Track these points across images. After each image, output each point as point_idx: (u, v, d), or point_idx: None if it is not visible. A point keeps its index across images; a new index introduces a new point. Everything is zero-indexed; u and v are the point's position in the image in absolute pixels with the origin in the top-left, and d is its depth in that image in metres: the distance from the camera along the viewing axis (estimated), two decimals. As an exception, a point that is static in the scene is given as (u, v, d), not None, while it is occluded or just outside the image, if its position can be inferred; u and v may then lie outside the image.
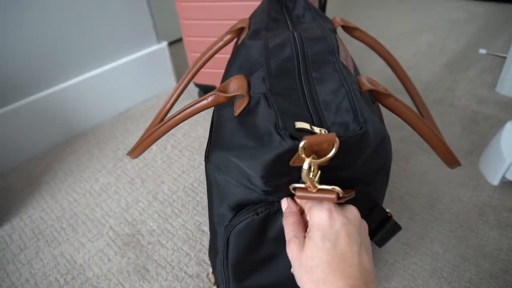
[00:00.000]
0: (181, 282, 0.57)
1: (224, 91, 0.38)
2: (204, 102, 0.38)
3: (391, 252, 0.58)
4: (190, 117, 0.39)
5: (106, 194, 0.75)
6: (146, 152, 0.85)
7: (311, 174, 0.31)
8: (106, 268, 0.60)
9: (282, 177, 0.34)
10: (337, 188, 0.32)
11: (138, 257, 0.62)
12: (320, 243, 0.30)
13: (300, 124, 0.32)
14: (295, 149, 0.30)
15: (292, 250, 0.32)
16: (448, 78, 1.04)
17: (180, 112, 0.40)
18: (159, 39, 1.05)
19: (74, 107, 0.91)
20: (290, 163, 0.32)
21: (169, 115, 0.46)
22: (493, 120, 0.86)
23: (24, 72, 0.81)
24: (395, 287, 0.54)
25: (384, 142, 0.38)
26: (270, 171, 0.33)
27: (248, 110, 0.37)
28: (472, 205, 0.64)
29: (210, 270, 0.51)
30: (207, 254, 0.61)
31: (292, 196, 0.37)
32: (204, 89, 0.97)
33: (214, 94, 0.37)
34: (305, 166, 0.30)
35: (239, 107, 0.38)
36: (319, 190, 0.32)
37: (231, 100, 0.41)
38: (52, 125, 0.88)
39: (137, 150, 0.45)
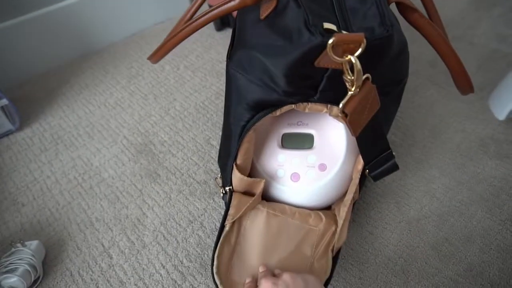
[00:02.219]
0: (189, 186, 0.62)
1: None
2: (232, 3, 0.38)
3: (389, 173, 0.61)
4: (216, 18, 0.39)
5: (120, 107, 0.78)
6: (159, 71, 0.86)
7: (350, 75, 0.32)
8: (120, 171, 0.65)
9: (304, 79, 0.36)
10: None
11: (150, 163, 0.66)
12: None
13: (327, 25, 0.33)
14: (323, 46, 0.31)
15: None
16: (472, 15, 1.00)
17: (207, 13, 0.40)
18: (174, -43, 1.01)
19: (89, 23, 0.91)
20: (316, 62, 0.33)
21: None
22: (511, 58, 0.84)
23: (39, -20, 0.80)
24: (389, 202, 0.57)
25: (404, 52, 0.39)
26: (294, 70, 0.34)
27: (276, 13, 0.37)
28: (475, 137, 0.66)
29: (219, 175, 0.54)
30: (215, 164, 0.65)
31: (306, 101, 0.39)
32: (219, 12, 0.95)
33: None
34: (354, 59, 0.30)
35: (265, 10, 0.38)
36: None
37: (256, 6, 0.41)
38: (67, 40, 0.89)
39: (159, 53, 0.46)
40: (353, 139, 0.50)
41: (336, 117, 0.45)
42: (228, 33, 0.97)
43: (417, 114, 0.71)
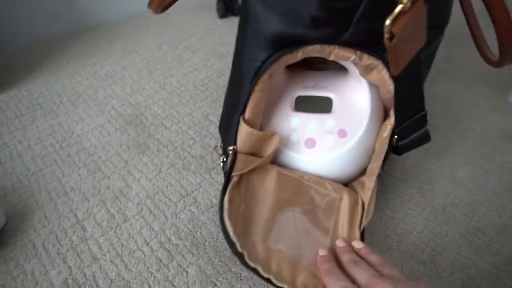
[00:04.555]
0: (183, 160, 0.54)
1: None
2: None
3: (409, 157, 0.54)
4: None
5: (111, 79, 0.71)
6: (156, 49, 0.80)
7: None
8: (104, 141, 0.57)
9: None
10: None
11: (140, 134, 0.58)
12: None
13: None
14: None
15: None
16: None
17: None
18: None
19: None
20: None
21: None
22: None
23: None
24: (410, 187, 0.50)
25: None
26: None
27: None
28: (497, 128, 0.60)
29: (219, 144, 0.47)
30: (213, 139, 0.57)
31: (334, 42, 0.33)
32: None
33: None
34: None
35: None
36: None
37: None
38: (59, 15, 0.83)
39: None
40: (378, 103, 0.44)
41: (365, 68, 0.39)
42: (231, 20, 0.93)
43: (434, 104, 0.66)
